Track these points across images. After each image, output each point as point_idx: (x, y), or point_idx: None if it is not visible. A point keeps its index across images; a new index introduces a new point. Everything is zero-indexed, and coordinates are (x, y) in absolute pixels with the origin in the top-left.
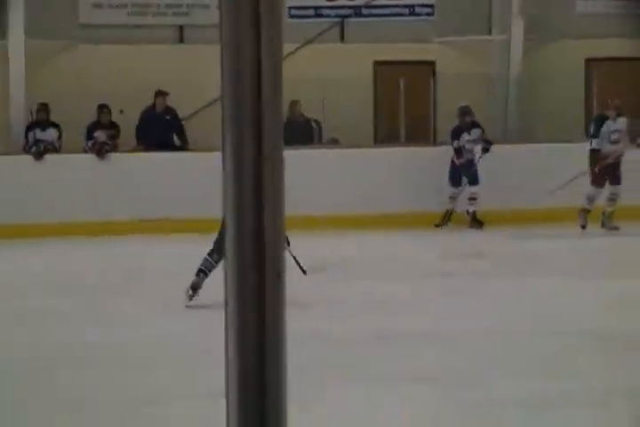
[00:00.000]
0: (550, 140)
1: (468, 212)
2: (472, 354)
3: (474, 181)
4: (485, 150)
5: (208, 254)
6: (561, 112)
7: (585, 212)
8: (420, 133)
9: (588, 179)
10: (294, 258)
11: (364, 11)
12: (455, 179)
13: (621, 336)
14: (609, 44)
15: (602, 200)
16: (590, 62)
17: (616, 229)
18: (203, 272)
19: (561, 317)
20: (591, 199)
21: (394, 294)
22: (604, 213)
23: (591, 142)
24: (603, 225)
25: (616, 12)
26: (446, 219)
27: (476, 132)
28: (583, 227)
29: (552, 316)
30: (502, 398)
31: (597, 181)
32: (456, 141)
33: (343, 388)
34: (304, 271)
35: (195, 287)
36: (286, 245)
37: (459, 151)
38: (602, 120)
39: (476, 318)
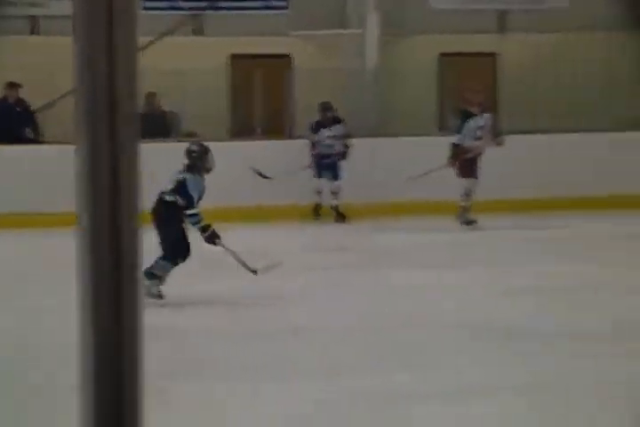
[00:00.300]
0: (407, 133)
1: (331, 206)
2: (354, 347)
3: (335, 175)
4: (343, 155)
5: (162, 258)
6: (416, 106)
7: (464, 208)
8: (277, 127)
9: (448, 173)
10: (237, 258)
11: (220, 4)
12: (319, 173)
13: (498, 328)
14: (462, 39)
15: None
16: (444, 57)
17: (474, 222)
18: (157, 277)
19: (435, 310)
20: (468, 193)
21: (266, 289)
22: (460, 208)
23: (460, 137)
24: (460, 219)
25: (469, 7)
26: (316, 213)
27: (337, 129)
28: (466, 223)
29: (425, 309)
30: (396, 390)
31: (465, 172)
32: (314, 135)
33: (230, 382)
34: (254, 272)
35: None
36: (218, 240)
37: (314, 145)
38: (467, 116)
39: (351, 312)
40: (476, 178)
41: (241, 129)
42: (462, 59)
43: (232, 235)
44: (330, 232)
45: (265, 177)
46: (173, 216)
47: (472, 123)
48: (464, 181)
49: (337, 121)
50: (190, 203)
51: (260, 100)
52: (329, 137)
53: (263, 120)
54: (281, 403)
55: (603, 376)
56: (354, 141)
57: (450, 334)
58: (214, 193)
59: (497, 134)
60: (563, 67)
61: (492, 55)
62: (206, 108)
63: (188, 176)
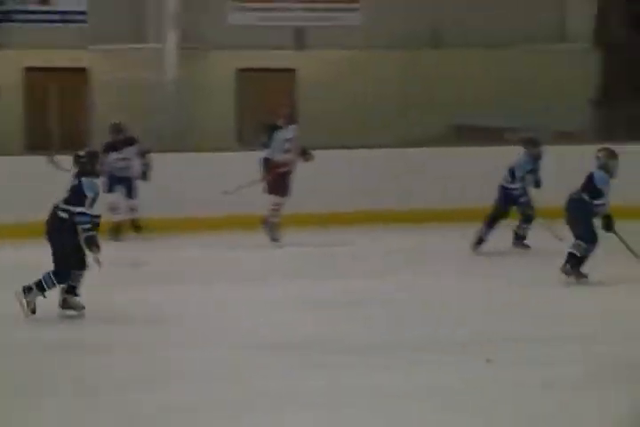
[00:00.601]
0: (207, 148)
1: (130, 221)
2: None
3: (130, 194)
4: (143, 176)
5: (54, 274)
6: (215, 121)
7: (272, 225)
8: (75, 141)
9: (257, 189)
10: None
11: (16, 16)
12: (110, 188)
13: (307, 341)
14: (261, 55)
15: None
16: (242, 73)
17: (277, 240)
18: (42, 289)
19: (239, 325)
20: (276, 209)
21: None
22: (266, 223)
23: (269, 151)
24: (268, 235)
25: (267, 24)
26: (115, 232)
27: (129, 151)
28: (274, 239)
29: (230, 325)
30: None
31: (274, 188)
32: (104, 156)
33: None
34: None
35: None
36: (96, 247)
37: (104, 165)
38: (273, 129)
39: (162, 326)
40: (285, 195)
41: (36, 143)
42: (261, 74)
43: (34, 251)
44: (130, 248)
45: (61, 168)
46: (67, 230)
47: (280, 135)
48: (272, 198)
49: (129, 142)
50: (82, 202)
51: (56, 114)
52: (118, 159)
53: (60, 134)
54: (110, 415)
55: (406, 385)
56: (153, 156)
57: (256, 348)
58: (8, 208)
59: (304, 150)
60: (357, 83)
61: (290, 71)
62: (1, 123)
63: (82, 179)
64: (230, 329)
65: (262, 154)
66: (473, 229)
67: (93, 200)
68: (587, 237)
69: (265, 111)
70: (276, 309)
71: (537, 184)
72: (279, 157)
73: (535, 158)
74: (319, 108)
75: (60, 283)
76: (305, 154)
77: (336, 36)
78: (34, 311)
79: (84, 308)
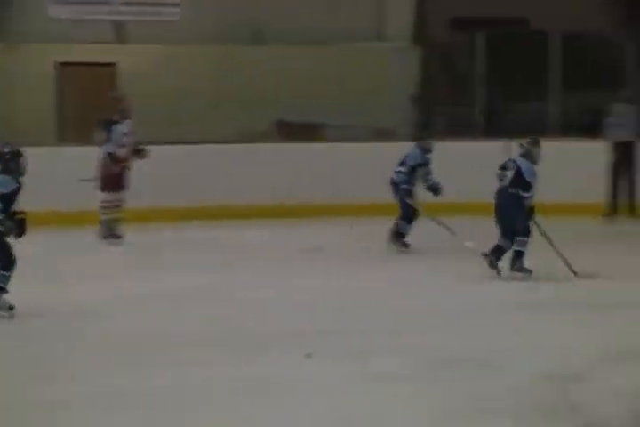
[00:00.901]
0: (25, 144)
1: None
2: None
3: None
4: None
5: (2, 269)
6: (34, 116)
7: (106, 222)
8: None
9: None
10: None
11: None
12: None
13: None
14: (81, 49)
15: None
16: (62, 67)
17: (119, 237)
18: (2, 290)
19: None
20: (107, 206)
21: None
22: (103, 221)
23: (110, 146)
24: (101, 233)
25: (87, 17)
26: None
27: None
28: (107, 237)
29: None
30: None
31: (106, 186)
32: None
33: None
34: None
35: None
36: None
37: None
38: (111, 124)
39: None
40: (118, 191)
41: None
42: (81, 68)
43: None
44: None
45: None
46: None
47: (117, 129)
48: (103, 195)
49: None
50: None
51: None
52: None
53: None
54: None
55: (229, 379)
56: None
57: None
58: None
59: (138, 148)
60: (173, 77)
61: (111, 65)
62: None
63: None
64: (82, 329)
65: (102, 149)
66: (300, 226)
67: (6, 196)
68: (526, 232)
69: (86, 106)
70: (121, 306)
71: (436, 190)
72: (119, 151)
73: (425, 152)
74: (139, 103)
75: (10, 271)
76: (139, 151)
77: (157, 31)
78: (12, 308)
79: (13, 308)
